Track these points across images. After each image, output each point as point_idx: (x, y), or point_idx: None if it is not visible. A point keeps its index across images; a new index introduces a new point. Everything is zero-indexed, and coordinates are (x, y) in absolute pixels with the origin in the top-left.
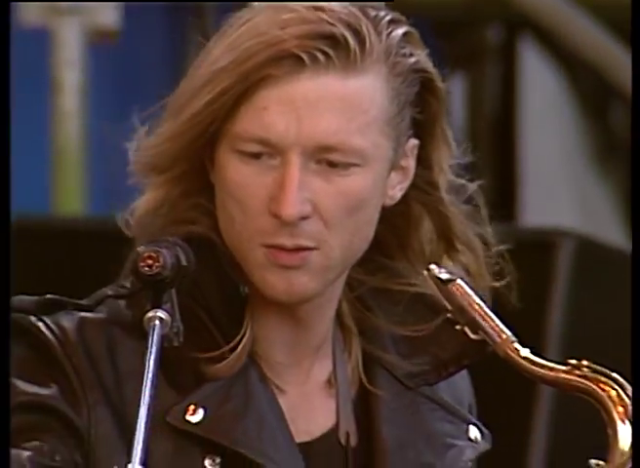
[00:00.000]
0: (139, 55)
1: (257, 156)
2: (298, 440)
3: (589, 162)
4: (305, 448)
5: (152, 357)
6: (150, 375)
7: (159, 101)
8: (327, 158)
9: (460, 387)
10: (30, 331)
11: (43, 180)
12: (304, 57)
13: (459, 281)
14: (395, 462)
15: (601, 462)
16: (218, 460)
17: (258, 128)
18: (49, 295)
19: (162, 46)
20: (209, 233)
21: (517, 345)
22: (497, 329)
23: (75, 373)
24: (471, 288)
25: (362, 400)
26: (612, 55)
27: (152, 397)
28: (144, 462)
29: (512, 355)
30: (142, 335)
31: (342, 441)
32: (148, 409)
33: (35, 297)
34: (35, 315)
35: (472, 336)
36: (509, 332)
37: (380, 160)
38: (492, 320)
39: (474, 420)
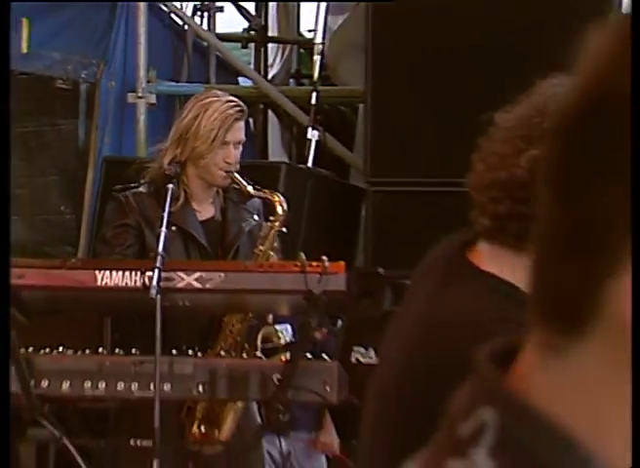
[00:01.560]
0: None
1: (222, 146)
2: (202, 218)
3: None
4: (205, 222)
5: (168, 202)
6: (167, 211)
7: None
8: (239, 144)
9: (255, 205)
10: (117, 198)
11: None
12: (240, 117)
13: (233, 170)
14: (231, 227)
15: (271, 217)
16: (175, 228)
17: (227, 139)
18: (126, 185)
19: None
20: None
21: (240, 179)
22: (236, 179)
23: (131, 212)
24: (239, 174)
25: (222, 208)
26: (298, 113)
27: (168, 219)
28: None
29: (238, 183)
30: (156, 197)
31: (217, 218)
32: (167, 223)
33: (122, 186)
34: (120, 192)
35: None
36: (235, 174)
37: None
38: (235, 177)
39: (257, 214)
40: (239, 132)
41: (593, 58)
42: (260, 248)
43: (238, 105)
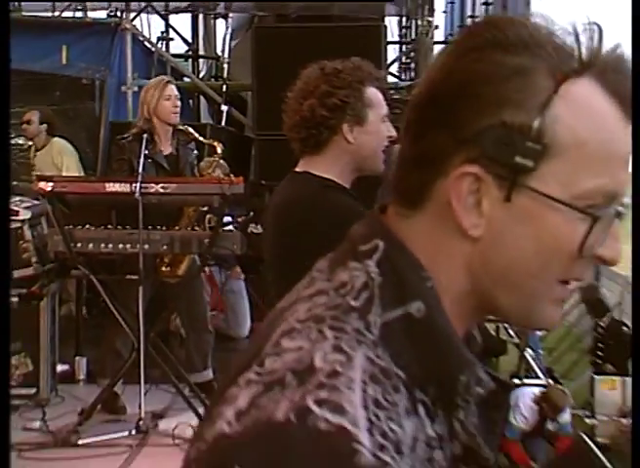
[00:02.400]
0: None
1: (165, 99)
2: (165, 154)
3: None
4: (167, 156)
5: (144, 145)
6: (143, 150)
7: None
8: (176, 98)
9: (193, 146)
10: (117, 143)
11: None
12: (169, 82)
13: (185, 126)
14: (182, 159)
15: (214, 155)
16: (150, 160)
17: (166, 94)
18: (122, 136)
19: None
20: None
21: (194, 133)
22: (192, 133)
23: (125, 152)
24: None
25: (176, 148)
26: (216, 97)
27: (145, 155)
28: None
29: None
30: (138, 142)
31: (173, 153)
32: (145, 157)
33: (120, 136)
34: (119, 140)
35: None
36: (191, 130)
37: None
38: (191, 132)
39: (195, 150)
40: (172, 90)
41: (429, 70)
42: (208, 171)
43: (166, 78)
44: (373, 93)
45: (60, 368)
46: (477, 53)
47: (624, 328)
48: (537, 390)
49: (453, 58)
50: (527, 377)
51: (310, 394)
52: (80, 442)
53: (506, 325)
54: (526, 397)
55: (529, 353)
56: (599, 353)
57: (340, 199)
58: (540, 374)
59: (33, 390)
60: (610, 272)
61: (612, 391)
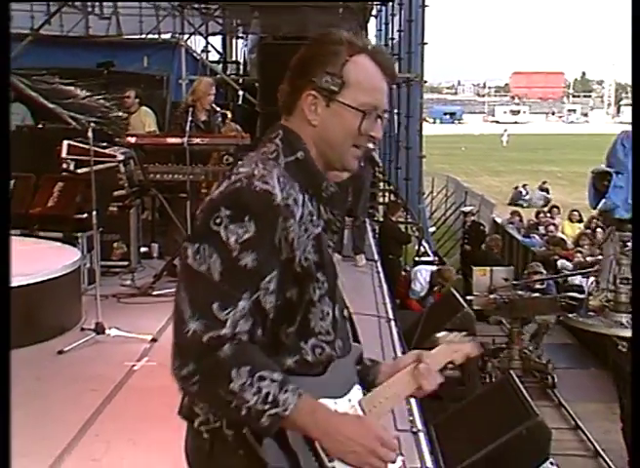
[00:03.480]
0: None
1: (209, 94)
2: (202, 119)
3: None
4: (204, 121)
5: (190, 114)
6: (190, 117)
7: None
8: (214, 94)
9: (218, 114)
10: (175, 115)
11: None
12: (213, 83)
13: (212, 104)
14: (212, 122)
15: (226, 119)
16: (194, 123)
17: (210, 92)
18: (179, 109)
19: None
20: None
21: (217, 108)
22: (216, 108)
23: (179, 119)
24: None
25: (208, 116)
26: (236, 87)
27: (191, 119)
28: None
29: None
30: (187, 113)
31: (206, 119)
32: (190, 122)
33: (176, 109)
34: (176, 111)
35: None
36: (216, 107)
37: None
38: (215, 107)
39: (220, 117)
40: (213, 90)
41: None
42: (225, 129)
43: (212, 81)
44: None
45: (142, 249)
46: (318, 45)
47: (481, 227)
48: (428, 267)
49: (308, 47)
50: (423, 257)
51: (253, 178)
52: (154, 293)
53: (413, 226)
54: (422, 272)
55: (424, 243)
56: (465, 241)
57: None
58: (431, 255)
59: (127, 263)
60: (472, 193)
61: (483, 276)
